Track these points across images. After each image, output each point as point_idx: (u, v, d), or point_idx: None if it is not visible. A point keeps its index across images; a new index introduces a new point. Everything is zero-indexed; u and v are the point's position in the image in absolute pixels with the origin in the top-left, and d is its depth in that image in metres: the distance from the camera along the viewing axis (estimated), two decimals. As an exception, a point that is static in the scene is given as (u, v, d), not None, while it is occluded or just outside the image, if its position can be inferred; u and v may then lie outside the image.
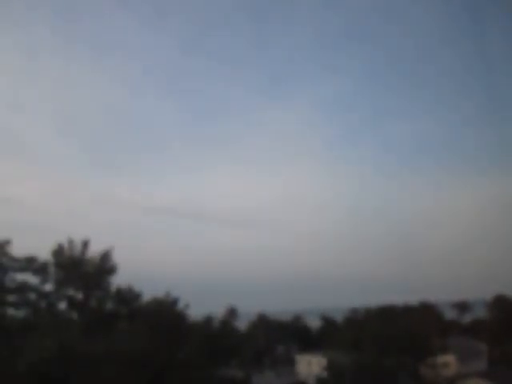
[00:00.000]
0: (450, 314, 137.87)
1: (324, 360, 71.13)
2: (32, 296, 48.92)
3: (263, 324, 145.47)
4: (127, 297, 51.46)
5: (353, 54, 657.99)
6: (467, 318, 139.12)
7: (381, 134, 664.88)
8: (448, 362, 74.44)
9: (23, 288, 48.56)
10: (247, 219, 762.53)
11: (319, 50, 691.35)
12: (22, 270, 49.07)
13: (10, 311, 49.20)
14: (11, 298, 48.64)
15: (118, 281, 51.90)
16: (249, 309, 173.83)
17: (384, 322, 67.69)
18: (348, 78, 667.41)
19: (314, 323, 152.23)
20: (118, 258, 51.77)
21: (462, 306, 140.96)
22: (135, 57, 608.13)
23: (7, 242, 49.04)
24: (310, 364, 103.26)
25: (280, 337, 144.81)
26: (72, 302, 49.61)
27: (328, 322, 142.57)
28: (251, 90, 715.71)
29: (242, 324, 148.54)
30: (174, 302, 52.26)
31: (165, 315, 49.20)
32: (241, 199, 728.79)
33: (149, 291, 54.14)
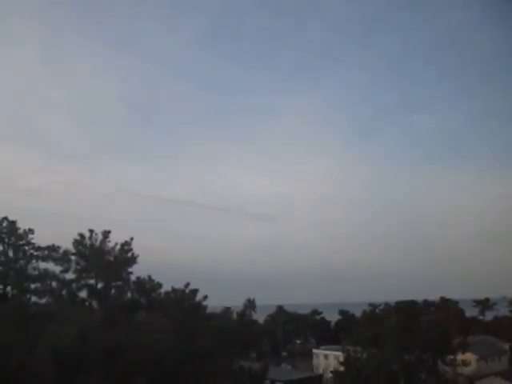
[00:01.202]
0: (471, 312, 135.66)
1: (341, 354, 70.82)
2: (54, 284, 49.85)
3: (281, 317, 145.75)
4: (146, 287, 51.97)
5: (376, 42, 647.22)
6: (489, 316, 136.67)
7: (405, 126, 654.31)
8: (468, 361, 73.25)
9: (45, 276, 49.53)
10: (266, 212, 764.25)
11: (343, 37, 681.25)
12: (44, 258, 50.05)
13: (33, 299, 50.33)
14: (34, 285, 49.73)
15: (138, 271, 52.50)
16: (267, 302, 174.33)
17: (403, 318, 66.77)
18: (371, 67, 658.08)
19: (332, 317, 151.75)
20: (137, 248, 52.33)
21: (484, 304, 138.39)
22: (151, 45, 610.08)
23: (30, 231, 50.08)
24: (327, 358, 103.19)
25: (298, 330, 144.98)
26: (92, 291, 50.33)
27: (346, 317, 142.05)
28: (269, 81, 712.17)
29: (259, 317, 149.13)
30: (193, 293, 52.61)
31: (184, 306, 49.58)
32: (259, 191, 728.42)
33: (167, 282, 54.63)
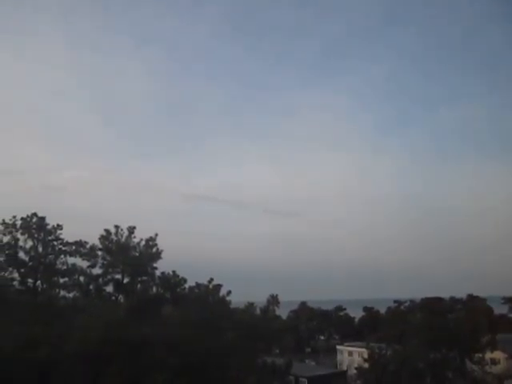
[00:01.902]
0: (500, 309, 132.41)
1: (366, 351, 70.25)
2: (81, 279, 50.99)
3: (304, 313, 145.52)
4: (171, 282, 52.57)
5: (399, 37, 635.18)
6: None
7: (429, 120, 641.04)
8: (497, 359, 71.65)
9: (73, 271, 50.70)
10: (289, 208, 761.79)
11: (364, 32, 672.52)
12: (72, 253, 51.23)
13: (62, 293, 51.62)
14: (63, 280, 50.98)
15: (162, 266, 53.18)
16: (290, 298, 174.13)
17: (429, 315, 65.76)
18: (393, 62, 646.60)
19: (356, 314, 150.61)
20: (161, 243, 52.99)
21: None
22: (173, 41, 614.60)
23: (58, 227, 51.29)
24: (352, 354, 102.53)
25: (321, 326, 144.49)
26: (119, 286, 51.26)
27: (370, 313, 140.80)
28: (291, 76, 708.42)
29: (283, 312, 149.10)
30: (217, 288, 53.01)
31: (208, 301, 49.97)
32: (282, 188, 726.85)
33: (191, 277, 55.18)
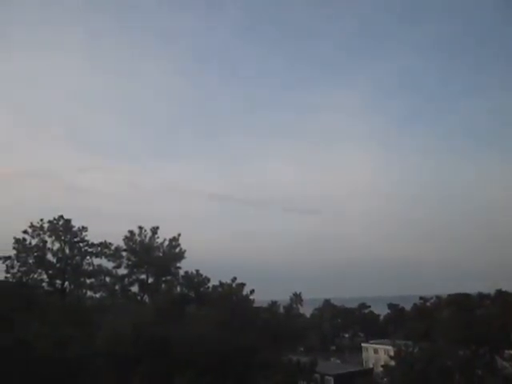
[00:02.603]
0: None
1: (392, 348, 69.32)
2: (107, 279, 51.90)
3: (329, 311, 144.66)
4: (195, 281, 53.03)
5: (417, 33, 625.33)
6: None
7: (453, 112, 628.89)
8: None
9: (99, 272, 51.66)
10: (310, 206, 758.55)
11: (384, 25, 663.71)
12: (98, 254, 52.23)
13: (89, 293, 52.63)
14: (89, 281, 51.98)
15: (186, 265, 53.67)
16: (313, 296, 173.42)
17: (457, 311, 64.46)
18: (413, 54, 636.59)
19: (381, 311, 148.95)
20: (184, 243, 53.48)
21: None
22: (195, 45, 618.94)
23: (84, 229, 52.33)
24: (377, 352, 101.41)
25: (346, 324, 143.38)
26: (143, 286, 52.03)
27: (395, 310, 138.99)
28: (310, 75, 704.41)
29: (306, 311, 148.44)
30: (240, 287, 53.18)
31: (231, 300, 50.15)
32: (302, 186, 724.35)
33: (214, 276, 55.54)
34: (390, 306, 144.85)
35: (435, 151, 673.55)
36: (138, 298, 52.64)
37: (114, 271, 51.78)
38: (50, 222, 51.74)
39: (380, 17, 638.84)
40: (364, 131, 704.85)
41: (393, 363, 62.68)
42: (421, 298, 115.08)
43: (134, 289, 52.59)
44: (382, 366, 68.61)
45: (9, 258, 50.97)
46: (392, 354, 65.71)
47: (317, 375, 65.85)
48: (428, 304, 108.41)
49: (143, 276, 52.20)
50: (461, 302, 70.08)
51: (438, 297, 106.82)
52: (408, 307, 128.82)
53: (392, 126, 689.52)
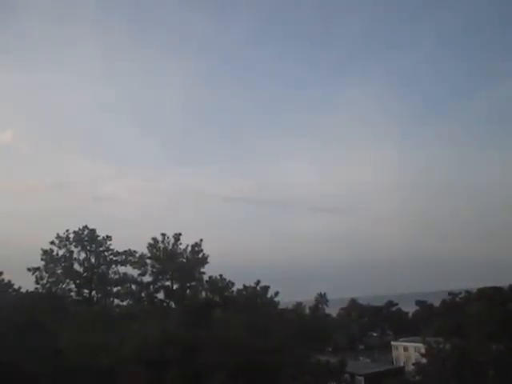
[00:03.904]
0: None
1: (422, 346, 68.22)
2: (133, 287, 52.50)
3: (355, 310, 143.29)
4: (219, 286, 53.16)
5: (430, 20, 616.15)
6: None
7: (471, 104, 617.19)
8: None
9: (125, 280, 52.32)
10: (334, 205, 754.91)
11: (394, 21, 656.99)
12: (123, 263, 52.92)
13: (116, 301, 53.33)
14: (115, 289, 52.69)
15: (209, 270, 53.86)
16: (338, 295, 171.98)
17: (488, 305, 62.94)
18: (427, 46, 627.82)
19: (409, 308, 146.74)
20: (206, 248, 53.73)
21: None
22: (206, 46, 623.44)
23: (108, 238, 53.11)
24: (407, 350, 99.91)
25: (373, 322, 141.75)
26: (169, 292, 52.42)
27: (424, 307, 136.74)
28: (323, 73, 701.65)
29: (332, 310, 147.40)
30: (264, 289, 53.06)
31: (256, 303, 50.07)
32: (327, 184, 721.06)
33: (238, 280, 55.53)
34: (418, 302, 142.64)
35: (458, 144, 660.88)
36: (164, 304, 53.08)
37: (139, 279, 52.42)
38: (75, 232, 52.71)
39: (394, 8, 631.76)
40: (387, 125, 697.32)
41: (424, 361, 61.67)
42: (449, 293, 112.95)
43: (160, 295, 53.10)
44: (414, 364, 67.54)
45: (37, 269, 52.11)
46: (423, 351, 64.65)
47: (347, 375, 65.25)
48: (457, 299, 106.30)
49: (168, 283, 52.65)
50: (492, 296, 68.37)
51: (467, 291, 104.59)
52: (436, 303, 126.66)
53: (411, 119, 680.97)
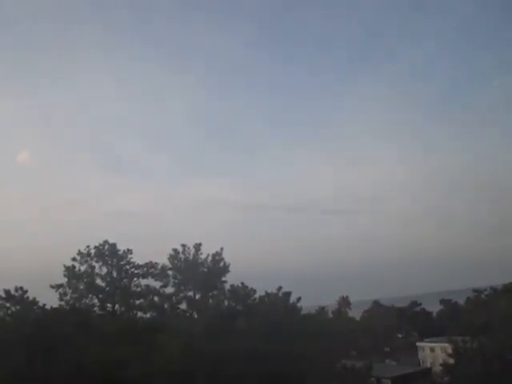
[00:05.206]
0: None
1: (449, 346, 67.10)
2: (156, 299, 52.86)
3: (378, 312, 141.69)
4: (241, 294, 53.19)
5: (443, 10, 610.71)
6: None
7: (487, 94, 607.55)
8: None
9: (147, 292, 52.72)
10: (348, 207, 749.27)
11: (403, 15, 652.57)
12: (145, 275, 53.37)
13: (139, 314, 53.71)
14: (138, 302, 53.12)
15: (231, 279, 53.96)
16: (360, 297, 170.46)
17: (514, 302, 61.82)
18: (437, 39, 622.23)
19: (433, 308, 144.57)
20: (227, 257, 53.91)
21: None
22: (213, 60, 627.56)
23: (129, 251, 53.65)
24: (434, 350, 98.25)
25: (397, 324, 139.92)
26: (191, 303, 52.66)
27: (449, 306, 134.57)
28: (332, 75, 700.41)
29: (355, 313, 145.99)
30: (286, 295, 52.90)
31: (279, 309, 49.93)
32: (339, 187, 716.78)
33: (259, 287, 55.45)
34: (443, 301, 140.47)
35: (475, 138, 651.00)
36: (187, 315, 53.32)
37: (161, 290, 52.80)
38: (96, 247, 53.40)
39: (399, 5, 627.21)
40: (400, 122, 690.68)
41: (452, 361, 60.69)
42: (474, 290, 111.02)
43: (183, 306, 53.36)
44: (441, 365, 66.50)
45: (61, 285, 52.86)
46: (450, 351, 63.62)
47: (373, 379, 64.51)
48: (482, 296, 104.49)
49: (190, 293, 52.96)
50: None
51: (492, 288, 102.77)
52: (461, 301, 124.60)
53: (424, 118, 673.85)
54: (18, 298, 52.29)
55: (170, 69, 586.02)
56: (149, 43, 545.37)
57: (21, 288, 52.66)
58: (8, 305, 52.41)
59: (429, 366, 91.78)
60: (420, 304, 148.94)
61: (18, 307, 52.12)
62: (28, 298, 52.63)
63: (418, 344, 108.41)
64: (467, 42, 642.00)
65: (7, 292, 52.27)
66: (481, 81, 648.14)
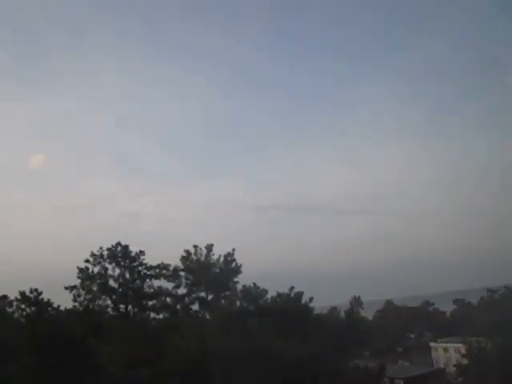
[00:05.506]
0: None
1: (463, 346, 66.48)
2: (168, 300, 53.15)
3: (391, 311, 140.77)
4: (253, 294, 53.32)
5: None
6: None
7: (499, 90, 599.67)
8: None
9: (160, 293, 53.03)
10: (360, 206, 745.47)
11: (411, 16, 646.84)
12: (157, 276, 53.68)
13: (152, 315, 54.08)
14: (151, 303, 53.47)
15: (243, 280, 54.09)
16: (373, 297, 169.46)
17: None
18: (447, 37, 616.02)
19: (447, 307, 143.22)
20: (239, 258, 54.00)
21: None
22: (221, 60, 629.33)
23: (141, 253, 54.01)
24: (447, 351, 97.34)
25: (410, 324, 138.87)
26: (204, 303, 52.87)
27: (462, 305, 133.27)
28: (345, 74, 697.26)
29: (367, 313, 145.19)
30: (298, 296, 52.93)
31: (291, 310, 49.98)
32: (352, 187, 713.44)
33: (271, 287, 55.56)
34: (456, 301, 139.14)
35: (489, 135, 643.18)
36: (200, 315, 53.53)
37: (174, 291, 53.09)
38: (108, 249, 53.83)
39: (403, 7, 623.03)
40: (410, 121, 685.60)
41: (466, 362, 60.12)
42: (488, 289, 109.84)
43: (195, 307, 53.62)
44: (455, 366, 65.91)
45: (74, 287, 53.39)
46: (463, 351, 63.04)
47: (386, 379, 64.17)
48: (496, 296, 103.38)
49: (203, 294, 53.19)
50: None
51: (506, 287, 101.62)
52: (474, 301, 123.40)
53: (435, 113, 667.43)
54: (32, 299, 53.01)
55: (182, 70, 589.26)
56: (161, 45, 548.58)
57: (35, 290, 53.43)
58: (23, 306, 53.16)
59: (442, 366, 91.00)
60: (433, 304, 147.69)
61: (33, 308, 52.82)
62: (43, 299, 53.32)
63: (431, 344, 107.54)
64: (479, 39, 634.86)
65: (22, 294, 53.03)
66: (493, 77, 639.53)
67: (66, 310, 52.95)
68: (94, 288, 53.41)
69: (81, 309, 52.43)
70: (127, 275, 53.83)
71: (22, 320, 52.23)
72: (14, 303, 53.68)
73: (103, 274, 53.67)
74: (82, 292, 53.36)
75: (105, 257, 53.82)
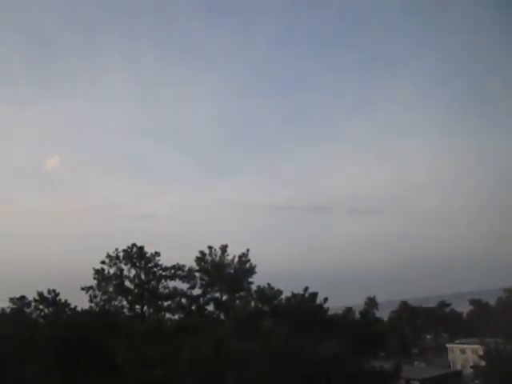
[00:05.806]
0: None
1: (480, 347, 65.64)
2: (183, 301, 53.53)
3: (406, 312, 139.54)
4: (268, 295, 53.36)
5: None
6: None
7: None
8: None
9: (175, 294, 53.44)
10: (374, 206, 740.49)
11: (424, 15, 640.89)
12: (172, 277, 54.11)
13: (167, 315, 54.51)
14: (166, 303, 53.91)
15: (258, 280, 54.23)
16: (387, 298, 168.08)
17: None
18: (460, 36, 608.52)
19: (463, 308, 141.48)
20: (254, 258, 54.17)
21: None
22: (235, 60, 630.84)
23: (156, 254, 54.49)
24: (464, 352, 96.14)
25: (426, 325, 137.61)
26: (218, 304, 53.13)
27: (479, 306, 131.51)
28: (358, 73, 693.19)
29: (383, 314, 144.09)
30: (313, 296, 52.81)
31: (305, 310, 49.88)
32: (365, 187, 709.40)
33: (287, 288, 55.49)
34: (472, 301, 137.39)
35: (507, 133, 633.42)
36: (214, 316, 53.80)
37: (188, 292, 53.45)
38: (124, 250, 54.41)
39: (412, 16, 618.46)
40: (422, 120, 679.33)
41: (483, 363, 59.35)
42: (505, 290, 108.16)
43: (210, 308, 53.94)
44: (472, 367, 65.14)
45: (90, 288, 54.11)
46: (481, 353, 62.23)
47: (402, 381, 63.68)
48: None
49: (217, 294, 53.47)
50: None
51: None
52: (492, 301, 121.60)
53: (452, 112, 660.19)
54: (50, 300, 53.91)
55: (195, 70, 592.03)
56: (173, 46, 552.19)
57: (53, 290, 54.34)
58: (41, 307, 54.06)
59: (459, 368, 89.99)
60: (449, 304, 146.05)
61: (50, 309, 53.68)
62: (60, 300, 54.20)
63: (447, 345, 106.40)
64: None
65: (40, 294, 53.95)
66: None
67: (83, 311, 53.71)
68: (110, 289, 54.04)
69: (97, 309, 53.10)
70: (143, 276, 54.35)
71: (41, 320, 53.15)
72: (33, 304, 54.67)
73: (119, 275, 54.26)
74: (98, 293, 54.05)
75: (120, 258, 54.40)
